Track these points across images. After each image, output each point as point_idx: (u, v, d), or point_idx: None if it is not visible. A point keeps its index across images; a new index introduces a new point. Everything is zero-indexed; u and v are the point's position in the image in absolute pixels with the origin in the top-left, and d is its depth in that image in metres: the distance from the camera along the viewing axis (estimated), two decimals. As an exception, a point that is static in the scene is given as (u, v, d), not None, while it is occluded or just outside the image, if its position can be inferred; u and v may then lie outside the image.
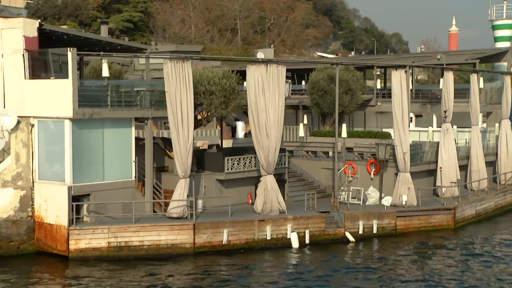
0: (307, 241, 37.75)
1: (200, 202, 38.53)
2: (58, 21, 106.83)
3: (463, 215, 43.38)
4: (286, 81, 59.31)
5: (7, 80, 35.97)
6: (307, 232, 37.85)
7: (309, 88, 58.23)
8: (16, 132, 35.35)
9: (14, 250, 34.97)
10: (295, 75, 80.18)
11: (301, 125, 49.64)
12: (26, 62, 35.39)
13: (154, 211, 37.45)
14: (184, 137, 35.97)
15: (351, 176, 44.23)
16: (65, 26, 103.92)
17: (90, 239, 34.15)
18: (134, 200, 36.64)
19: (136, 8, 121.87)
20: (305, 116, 62.61)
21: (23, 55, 35.33)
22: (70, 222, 34.15)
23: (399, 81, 41.85)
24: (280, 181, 43.18)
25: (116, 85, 36.51)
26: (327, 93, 55.68)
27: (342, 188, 43.04)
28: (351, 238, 38.69)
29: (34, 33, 35.56)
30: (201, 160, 40.68)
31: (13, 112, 35.14)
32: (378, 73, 69.03)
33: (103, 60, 34.97)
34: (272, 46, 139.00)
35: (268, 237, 36.94)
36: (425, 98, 62.18)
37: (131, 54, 37.37)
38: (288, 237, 37.40)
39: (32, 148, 35.71)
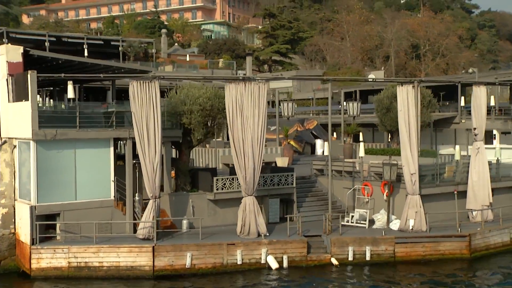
0: (285, 266, 30.21)
1: (184, 222, 32.35)
2: (218, 56, 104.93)
3: (486, 242, 33.12)
4: (354, 100, 51.57)
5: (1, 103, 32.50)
6: (285, 257, 30.29)
7: (375, 107, 49.94)
8: (0, 153, 31.48)
9: (-8, 266, 31.12)
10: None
11: (326, 142, 41.61)
12: (10, 86, 31.51)
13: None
14: (150, 158, 30.06)
15: (367, 198, 35.66)
16: (221, 60, 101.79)
17: (51, 259, 29.25)
18: (113, 219, 31.44)
19: (308, 41, 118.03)
20: (384, 134, 54.67)
21: (6, 79, 31.51)
22: (33, 241, 29.53)
23: (406, 97, 32.98)
24: (289, 202, 35.84)
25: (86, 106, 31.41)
26: (390, 111, 47.19)
27: (356, 210, 34.76)
28: (335, 263, 30.57)
29: (19, 59, 31.52)
30: (195, 179, 34.43)
31: (-6, 134, 31.50)
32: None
33: (68, 82, 30.02)
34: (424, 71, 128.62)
35: (239, 262, 29.89)
36: (507, 114, 51.68)
37: (97, 75, 31.82)
38: (262, 261, 30.14)
39: (14, 168, 31.63)
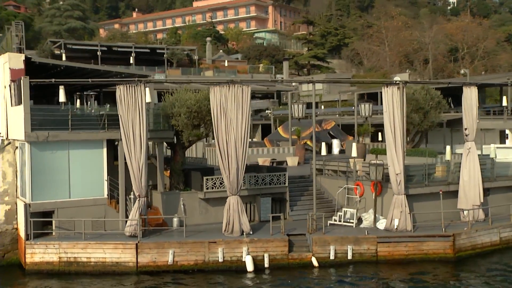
0: (266, 265, 28.55)
1: (175, 220, 31.12)
2: (258, 61, 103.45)
3: (473, 242, 30.57)
4: (367, 101, 49.24)
5: (6, 107, 32.15)
6: (266, 255, 28.64)
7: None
8: (3, 153, 31.08)
9: (-1, 259, 30.73)
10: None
11: (323, 143, 39.53)
12: (12, 91, 31.05)
13: (131, 228, 30.72)
14: (136, 158, 29.01)
15: (358, 197, 33.61)
16: (261, 64, 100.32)
17: (44, 254, 28.60)
18: (106, 217, 30.59)
19: (351, 47, 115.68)
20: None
21: (9, 85, 31.07)
22: (27, 236, 28.96)
23: (391, 98, 30.76)
24: (283, 200, 34.15)
25: (78, 109, 30.50)
26: (397, 111, 44.80)
27: (344, 209, 32.77)
28: (315, 263, 28.72)
29: (21, 65, 31.02)
30: (188, 178, 33.19)
31: (-3, 135, 31.15)
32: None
33: (60, 87, 29.25)
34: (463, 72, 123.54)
35: (220, 259, 28.42)
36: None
37: (84, 80, 30.56)
38: (243, 260, 28.54)
39: (16, 168, 31.17)
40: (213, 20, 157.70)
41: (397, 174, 30.53)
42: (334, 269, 28.45)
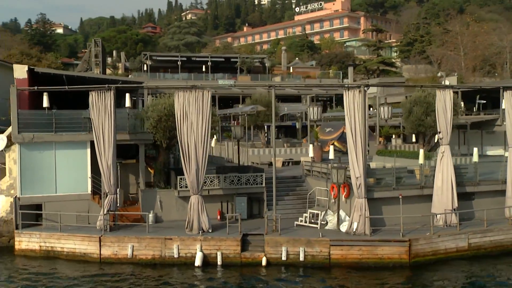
0: (219, 263, 26.41)
1: (150, 216, 29.71)
2: (329, 67, 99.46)
3: (434, 248, 26.30)
4: (387, 104, 45.08)
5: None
6: (219, 253, 26.47)
7: (402, 111, 43.22)
8: (9, 152, 31.40)
9: (5, 243, 30.90)
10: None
11: (310, 146, 36.04)
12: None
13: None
14: (106, 157, 28.01)
15: (333, 198, 30.29)
16: (330, 70, 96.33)
17: (28, 242, 28.49)
18: (90, 211, 29.96)
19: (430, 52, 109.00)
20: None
21: (15, 93, 31.31)
22: (17, 226, 28.98)
23: (352, 102, 27.24)
24: (261, 200, 31.65)
25: (64, 114, 29.83)
26: (411, 114, 40.46)
27: (310, 210, 29.67)
28: (263, 263, 26.07)
29: (24, 75, 31.15)
30: (169, 177, 31.66)
31: (5, 136, 31.39)
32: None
33: (44, 93, 28.80)
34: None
35: (176, 255, 26.66)
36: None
37: (62, 87, 29.50)
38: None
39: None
40: (310, 32, 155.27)
41: (357, 178, 27.08)
42: (284, 269, 25.76)
